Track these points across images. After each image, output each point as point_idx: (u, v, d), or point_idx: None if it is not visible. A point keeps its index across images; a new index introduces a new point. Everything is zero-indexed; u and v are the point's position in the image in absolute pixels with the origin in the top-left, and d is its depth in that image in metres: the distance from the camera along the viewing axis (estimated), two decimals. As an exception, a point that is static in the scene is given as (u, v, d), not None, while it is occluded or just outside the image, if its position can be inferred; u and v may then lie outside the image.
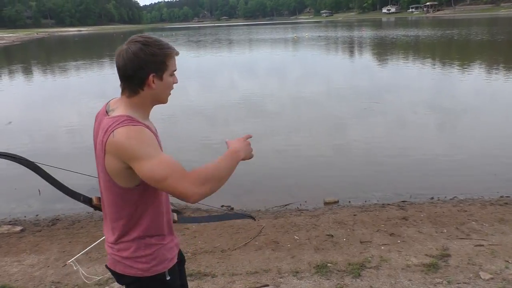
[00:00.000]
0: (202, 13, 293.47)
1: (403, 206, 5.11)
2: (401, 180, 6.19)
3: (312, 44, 35.68)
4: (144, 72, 1.50)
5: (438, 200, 5.35)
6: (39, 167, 1.90)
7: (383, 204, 5.19)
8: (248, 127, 9.41)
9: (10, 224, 4.79)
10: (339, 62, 23.03)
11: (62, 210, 5.24)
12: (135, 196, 1.56)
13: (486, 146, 7.50)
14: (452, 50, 26.40)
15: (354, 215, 4.83)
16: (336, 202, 5.38)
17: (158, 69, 1.52)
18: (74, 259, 2.52)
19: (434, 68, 18.42)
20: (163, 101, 1.63)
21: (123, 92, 1.57)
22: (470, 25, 55.36)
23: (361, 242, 4.10)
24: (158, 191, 1.62)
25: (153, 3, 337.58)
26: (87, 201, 1.91)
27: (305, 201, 5.43)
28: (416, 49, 27.63)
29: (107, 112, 1.60)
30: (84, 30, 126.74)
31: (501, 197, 5.36)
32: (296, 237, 4.27)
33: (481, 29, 44.76)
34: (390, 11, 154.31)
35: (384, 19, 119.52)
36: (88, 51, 42.42)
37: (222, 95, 13.48)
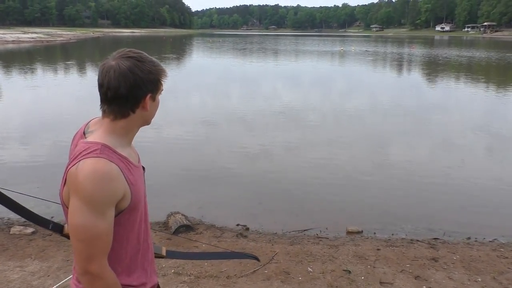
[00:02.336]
0: (251, 21, 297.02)
1: (434, 244, 4.63)
2: (436, 213, 5.66)
3: (358, 59, 34.92)
4: (142, 92, 1.32)
5: (476, 241, 4.82)
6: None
7: (411, 240, 4.73)
8: (285, 138, 9.17)
9: (23, 225, 4.73)
10: (382, 78, 22.29)
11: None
12: None
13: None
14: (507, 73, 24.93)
15: (378, 249, 4.42)
16: (359, 232, 4.97)
17: (154, 89, 1.36)
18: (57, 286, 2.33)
19: (487, 89, 17.38)
20: (149, 123, 1.45)
21: (106, 115, 1.35)
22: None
23: (381, 283, 3.70)
24: (130, 225, 1.41)
25: (204, 9, 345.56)
26: (58, 230, 1.70)
27: (326, 228, 5.06)
28: (468, 70, 26.30)
29: (84, 133, 1.41)
30: (137, 31, 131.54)
31: (550, 244, 4.75)
32: (309, 269, 3.92)
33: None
34: (444, 29, 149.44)
35: (437, 37, 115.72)
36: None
37: (259, 105, 13.32)
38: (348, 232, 4.96)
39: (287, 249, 4.34)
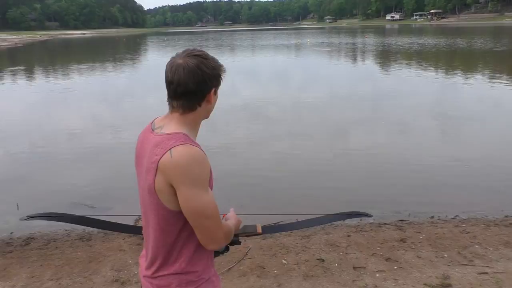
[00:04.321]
0: (205, 17, 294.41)
1: (401, 226, 4.78)
2: (400, 196, 5.84)
3: (314, 51, 35.45)
4: (208, 87, 1.45)
5: (439, 219, 5.02)
6: (87, 217, 1.95)
7: (379, 224, 4.86)
8: (246, 133, 9.17)
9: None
10: (339, 68, 22.75)
11: (38, 227, 4.91)
12: (182, 221, 1.44)
13: (490, 160, 7.15)
14: (458, 58, 26.11)
15: (348, 235, 4.51)
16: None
17: (217, 83, 1.50)
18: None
19: (437, 75, 18.12)
20: (208, 116, 1.58)
21: (175, 109, 1.47)
22: (475, 33, 55.10)
23: (354, 268, 3.78)
24: None
25: (157, 7, 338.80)
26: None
27: (296, 219, 5.07)
28: (420, 57, 27.33)
29: (152, 130, 1.49)
30: (88, 33, 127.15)
31: (506, 216, 5.02)
32: (284, 261, 3.95)
33: (487, 38, 44.49)
34: (394, 18, 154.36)
35: (387, 26, 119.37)
36: (88, 54, 42.35)
37: (223, 100, 13.21)
38: (319, 221, 5.02)
39: (260, 243, 4.34)
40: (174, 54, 1.47)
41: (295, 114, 11.32)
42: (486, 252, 4.01)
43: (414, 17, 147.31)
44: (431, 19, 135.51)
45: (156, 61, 30.80)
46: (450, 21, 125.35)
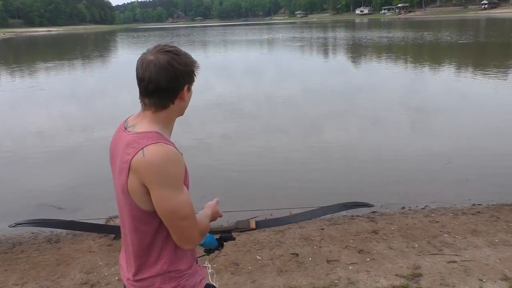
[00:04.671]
0: (176, 13, 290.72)
1: (373, 217, 4.85)
2: (372, 188, 5.92)
3: (286, 45, 35.57)
4: (180, 84, 1.40)
5: (410, 210, 5.11)
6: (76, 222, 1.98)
7: (352, 216, 4.91)
8: (222, 130, 9.09)
9: None
10: (311, 63, 22.92)
11: (3, 231, 4.72)
12: (157, 221, 1.40)
13: (459, 150, 7.34)
14: (425, 51, 26.73)
15: (322, 229, 4.53)
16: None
17: (191, 80, 1.45)
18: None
19: (406, 68, 18.51)
20: (183, 113, 1.53)
21: (147, 107, 1.41)
22: (440, 26, 56.57)
23: (328, 261, 3.80)
24: None
25: (126, 3, 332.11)
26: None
27: (271, 214, 5.07)
28: (388, 50, 27.84)
29: (125, 128, 1.45)
30: (54, 30, 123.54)
31: (473, 205, 5.17)
32: (258, 257, 3.93)
33: (452, 31, 45.77)
34: (363, 13, 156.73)
35: (357, 20, 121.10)
36: (54, 51, 41.11)
37: (197, 96, 13.07)
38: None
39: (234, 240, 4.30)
40: (145, 50, 1.41)
41: (269, 110, 11.33)
42: (455, 241, 4.11)
43: (383, 11, 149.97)
44: (399, 13, 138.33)
45: (125, 58, 30.23)
46: (417, 14, 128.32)
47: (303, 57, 26.98)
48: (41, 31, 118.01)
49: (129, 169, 1.33)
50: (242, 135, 8.89)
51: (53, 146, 8.36)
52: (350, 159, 7.11)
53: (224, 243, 1.82)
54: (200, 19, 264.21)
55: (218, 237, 1.83)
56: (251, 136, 8.80)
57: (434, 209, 5.08)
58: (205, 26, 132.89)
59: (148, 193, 1.34)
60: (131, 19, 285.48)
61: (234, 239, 1.78)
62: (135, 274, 1.46)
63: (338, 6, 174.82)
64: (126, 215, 1.42)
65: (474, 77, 15.27)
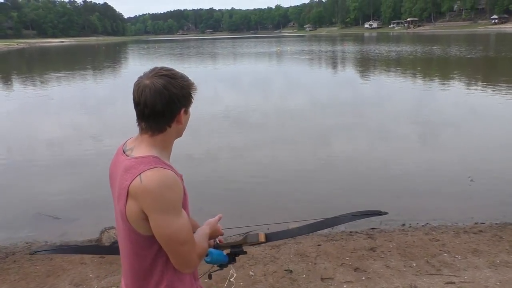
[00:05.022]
0: (186, 25, 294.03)
1: (372, 234, 4.74)
2: (373, 203, 5.81)
3: (295, 58, 35.69)
4: (176, 107, 1.39)
5: (410, 227, 5.00)
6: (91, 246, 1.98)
7: (350, 232, 4.81)
8: (230, 141, 9.07)
9: None
10: (319, 76, 22.91)
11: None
12: (156, 245, 1.39)
13: (463, 166, 7.21)
14: (435, 65, 26.63)
15: (318, 245, 4.44)
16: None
17: (187, 103, 1.44)
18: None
19: (416, 82, 18.41)
20: (181, 135, 1.52)
21: (144, 131, 1.41)
22: (450, 41, 56.45)
23: (322, 279, 3.71)
24: None
25: (137, 15, 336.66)
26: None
27: (268, 228, 4.99)
28: (397, 64, 27.78)
29: (124, 151, 1.45)
30: (67, 41, 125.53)
31: (476, 223, 5.04)
32: (251, 272, 3.85)
33: (461, 45, 45.63)
34: (372, 27, 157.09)
35: (366, 34, 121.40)
36: (65, 62, 41.68)
37: (205, 107, 13.11)
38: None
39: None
40: (141, 74, 1.41)
41: (277, 121, 11.31)
42: (454, 261, 3.99)
43: (392, 25, 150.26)
44: (408, 27, 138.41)
45: (135, 68, 30.50)
46: (426, 29, 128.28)
47: (311, 69, 27.00)
48: (54, 42, 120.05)
49: (127, 195, 1.33)
50: (250, 147, 8.88)
51: (54, 156, 8.40)
52: (351, 174, 7.04)
53: (236, 257, 1.78)
54: (210, 31, 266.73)
55: (228, 251, 1.80)
56: (257, 147, 8.79)
57: (435, 227, 4.96)
58: (215, 39, 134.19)
59: (147, 219, 1.33)
60: (142, 31, 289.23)
61: (245, 252, 1.76)
62: None
63: (347, 20, 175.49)
64: (125, 239, 1.42)
65: (482, 92, 15.12)
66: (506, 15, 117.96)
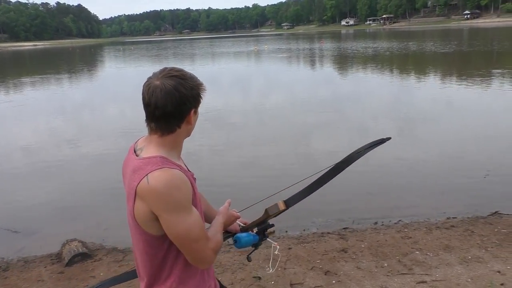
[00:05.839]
0: (163, 26, 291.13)
1: (344, 234, 4.64)
2: (345, 203, 5.70)
3: (272, 57, 35.61)
4: (187, 108, 1.39)
5: (382, 225, 4.91)
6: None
7: (322, 233, 4.69)
8: (210, 142, 8.83)
9: None
10: (297, 74, 22.87)
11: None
12: (166, 243, 1.40)
13: (435, 161, 7.20)
14: (411, 61, 26.92)
15: (289, 248, 4.30)
16: (271, 232, 4.82)
17: (197, 104, 1.43)
18: None
19: (392, 78, 18.53)
20: (190, 135, 1.51)
21: (154, 131, 1.40)
22: (425, 36, 57.35)
23: (291, 284, 3.57)
24: None
25: (113, 16, 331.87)
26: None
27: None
28: (372, 60, 27.98)
29: (135, 151, 1.45)
30: (40, 44, 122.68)
31: (448, 218, 4.99)
32: (218, 281, 3.68)
33: (436, 40, 46.38)
34: (349, 24, 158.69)
35: (343, 31, 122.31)
36: (38, 65, 40.62)
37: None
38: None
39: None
40: (151, 74, 1.39)
41: (256, 121, 11.16)
42: (426, 259, 3.91)
43: (368, 22, 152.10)
44: (384, 23, 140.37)
45: (108, 71, 29.91)
46: (402, 25, 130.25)
47: (289, 68, 26.94)
48: (27, 45, 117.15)
49: (135, 196, 1.34)
50: (231, 146, 8.73)
51: (15, 165, 8.01)
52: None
53: (267, 232, 1.77)
54: (187, 32, 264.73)
55: (256, 230, 1.76)
56: (238, 146, 8.65)
57: (407, 224, 4.89)
58: (193, 39, 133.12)
59: (157, 219, 1.34)
60: (118, 32, 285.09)
61: (272, 225, 1.76)
62: None
63: (324, 17, 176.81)
64: (135, 238, 1.44)
65: (458, 85, 15.29)
66: (478, 11, 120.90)
